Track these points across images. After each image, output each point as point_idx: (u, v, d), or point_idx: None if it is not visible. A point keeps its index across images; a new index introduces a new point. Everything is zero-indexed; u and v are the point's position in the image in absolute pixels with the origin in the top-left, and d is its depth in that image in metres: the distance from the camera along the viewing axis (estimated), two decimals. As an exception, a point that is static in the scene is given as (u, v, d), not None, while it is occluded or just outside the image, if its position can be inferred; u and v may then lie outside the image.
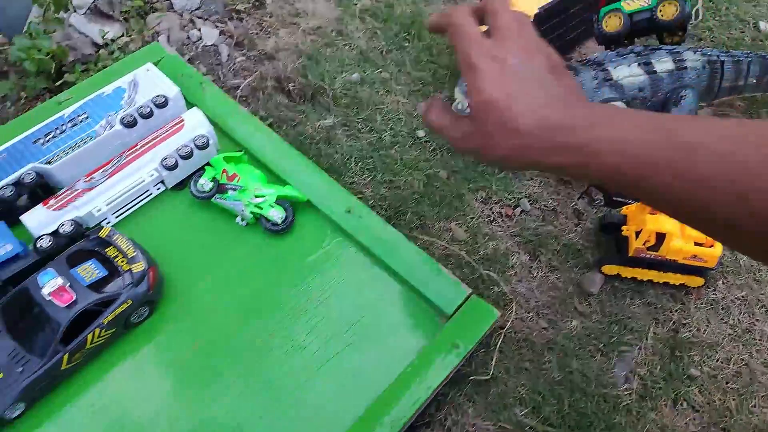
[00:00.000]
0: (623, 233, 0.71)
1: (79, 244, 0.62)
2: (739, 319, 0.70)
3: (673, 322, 0.69)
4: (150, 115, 0.73)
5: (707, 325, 0.70)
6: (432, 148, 0.83)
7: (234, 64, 0.94)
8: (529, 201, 0.78)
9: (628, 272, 0.71)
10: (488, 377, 0.64)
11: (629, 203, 0.70)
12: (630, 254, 0.69)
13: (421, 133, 0.84)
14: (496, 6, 0.41)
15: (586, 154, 0.35)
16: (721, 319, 0.70)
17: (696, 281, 0.71)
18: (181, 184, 0.73)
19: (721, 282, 0.73)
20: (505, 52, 0.38)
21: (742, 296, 0.72)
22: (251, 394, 0.60)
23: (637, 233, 0.68)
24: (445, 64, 0.93)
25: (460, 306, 0.64)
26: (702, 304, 0.71)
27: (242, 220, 0.70)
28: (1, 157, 0.68)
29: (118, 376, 0.60)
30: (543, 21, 0.82)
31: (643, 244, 0.68)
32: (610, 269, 0.71)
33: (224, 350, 0.62)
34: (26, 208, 0.66)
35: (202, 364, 0.61)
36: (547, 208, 0.78)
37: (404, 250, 0.68)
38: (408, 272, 0.66)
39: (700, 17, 1.01)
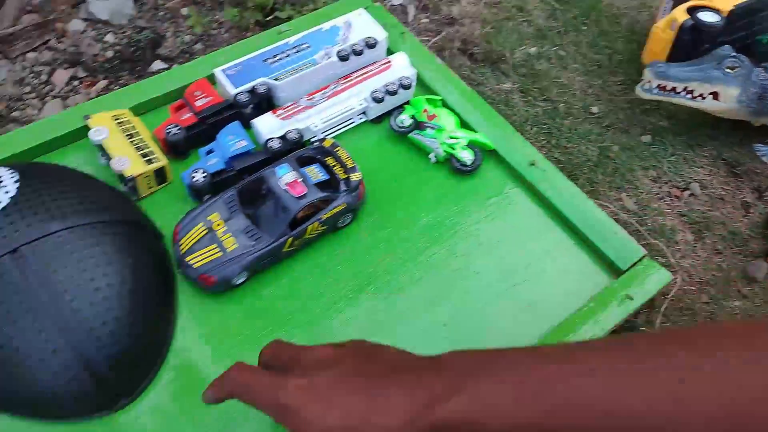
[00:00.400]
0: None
1: (304, 149, 0.70)
2: None
3: (837, 320, 0.71)
4: (361, 53, 0.81)
5: None
6: (605, 124, 0.87)
7: (419, 24, 1.01)
8: (699, 186, 0.81)
9: (794, 266, 0.73)
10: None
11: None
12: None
13: (594, 110, 0.89)
14: (270, 349, 0.40)
15: (471, 423, 0.32)
16: None
17: None
18: (379, 119, 0.80)
19: None
20: (313, 376, 0.35)
21: None
22: (430, 306, 0.66)
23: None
24: (621, 50, 0.96)
25: (633, 264, 0.68)
26: None
27: (434, 157, 0.76)
28: (236, 69, 0.77)
29: (317, 268, 0.68)
30: (736, 19, 0.84)
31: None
32: (777, 261, 0.73)
33: (408, 268, 0.69)
34: (250, 117, 0.75)
35: (387, 277, 0.68)
36: (716, 195, 0.80)
37: (583, 206, 0.72)
38: (585, 226, 0.71)
39: None
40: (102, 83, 0.89)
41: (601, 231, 0.70)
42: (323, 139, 0.71)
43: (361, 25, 0.84)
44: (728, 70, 0.78)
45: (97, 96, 0.87)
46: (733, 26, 0.84)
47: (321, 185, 0.67)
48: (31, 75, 0.88)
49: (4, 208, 0.54)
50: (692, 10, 0.83)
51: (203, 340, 0.61)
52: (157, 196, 0.70)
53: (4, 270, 0.51)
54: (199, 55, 0.92)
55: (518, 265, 0.69)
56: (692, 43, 0.85)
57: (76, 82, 0.89)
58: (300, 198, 0.64)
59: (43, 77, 0.89)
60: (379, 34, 0.83)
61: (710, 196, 0.80)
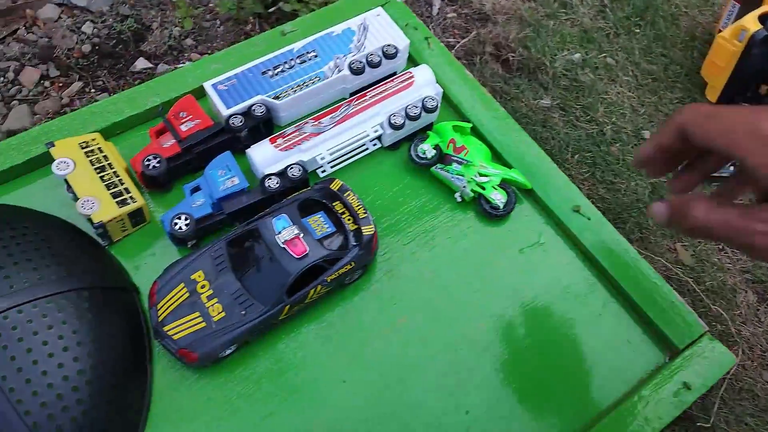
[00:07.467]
0: None
1: (308, 192, 0.59)
2: None
3: None
4: (378, 64, 0.68)
5: None
6: (658, 153, 0.75)
7: (444, 19, 0.88)
8: None
9: None
10: (709, 425, 0.58)
11: None
12: None
13: (646, 134, 0.76)
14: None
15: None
16: None
17: None
18: (395, 145, 0.69)
19: None
20: None
21: None
22: (442, 374, 0.56)
23: None
24: (679, 60, 0.83)
25: (692, 342, 0.58)
26: None
27: (461, 196, 0.65)
28: (230, 83, 0.65)
29: (320, 334, 0.57)
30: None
31: None
32: None
33: (425, 326, 0.58)
34: (245, 141, 0.63)
35: (404, 337, 0.58)
36: (785, 248, 0.69)
37: (635, 268, 0.61)
38: (636, 292, 0.60)
39: None
40: (77, 85, 0.77)
41: (656, 299, 0.60)
42: (331, 180, 0.60)
43: (379, 28, 0.71)
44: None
45: (69, 100, 0.75)
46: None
47: (325, 239, 0.56)
48: (-4, 72, 0.76)
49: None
50: (766, 18, 0.70)
51: (180, 423, 0.52)
52: (133, 238, 0.60)
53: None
54: (190, 52, 0.80)
55: (549, 334, 0.59)
56: (765, 58, 0.71)
57: (47, 83, 0.77)
58: (301, 259, 0.53)
59: (10, 75, 0.77)
60: (400, 41, 0.70)
61: (779, 248, 0.69)
